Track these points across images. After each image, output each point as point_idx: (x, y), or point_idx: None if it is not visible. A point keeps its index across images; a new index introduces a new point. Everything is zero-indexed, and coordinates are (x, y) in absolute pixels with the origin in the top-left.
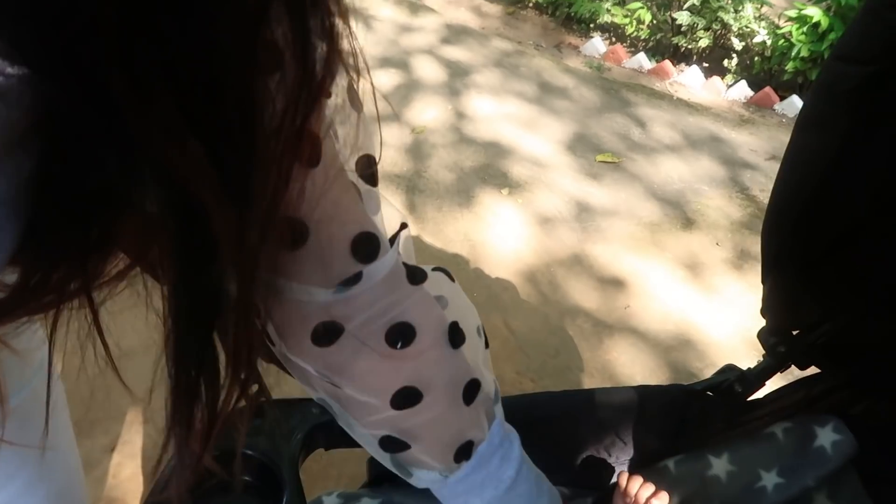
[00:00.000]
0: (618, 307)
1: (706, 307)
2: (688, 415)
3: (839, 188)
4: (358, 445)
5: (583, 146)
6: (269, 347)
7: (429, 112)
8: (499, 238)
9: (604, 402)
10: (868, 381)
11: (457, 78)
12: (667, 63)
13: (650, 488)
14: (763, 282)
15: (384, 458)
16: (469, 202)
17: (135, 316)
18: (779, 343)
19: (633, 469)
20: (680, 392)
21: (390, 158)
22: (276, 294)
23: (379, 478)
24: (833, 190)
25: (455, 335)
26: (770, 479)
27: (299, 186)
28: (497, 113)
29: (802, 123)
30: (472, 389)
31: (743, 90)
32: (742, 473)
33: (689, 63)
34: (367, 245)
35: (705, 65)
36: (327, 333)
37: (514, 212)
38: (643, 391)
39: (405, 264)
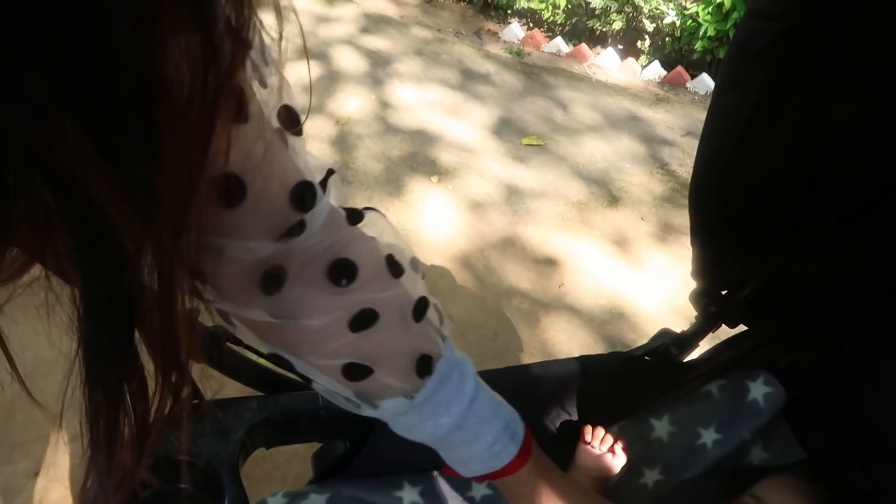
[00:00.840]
0: (552, 286)
1: (636, 280)
2: (628, 381)
3: (757, 145)
4: (300, 441)
5: (508, 130)
6: (202, 344)
7: (352, 103)
8: (431, 225)
9: (546, 375)
10: (792, 333)
11: (378, 67)
12: (584, 46)
13: (611, 439)
14: (692, 244)
15: (349, 395)
16: (399, 191)
17: (52, 323)
18: (709, 304)
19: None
20: (619, 359)
21: (316, 150)
22: (216, 255)
23: (325, 473)
24: (751, 147)
25: (394, 267)
26: (709, 436)
27: (231, 144)
28: (421, 101)
29: (721, 84)
30: (420, 307)
31: (657, 70)
32: (683, 433)
33: (604, 46)
34: (305, 194)
35: (620, 47)
36: (275, 280)
37: (444, 198)
38: (584, 361)
39: (343, 207)
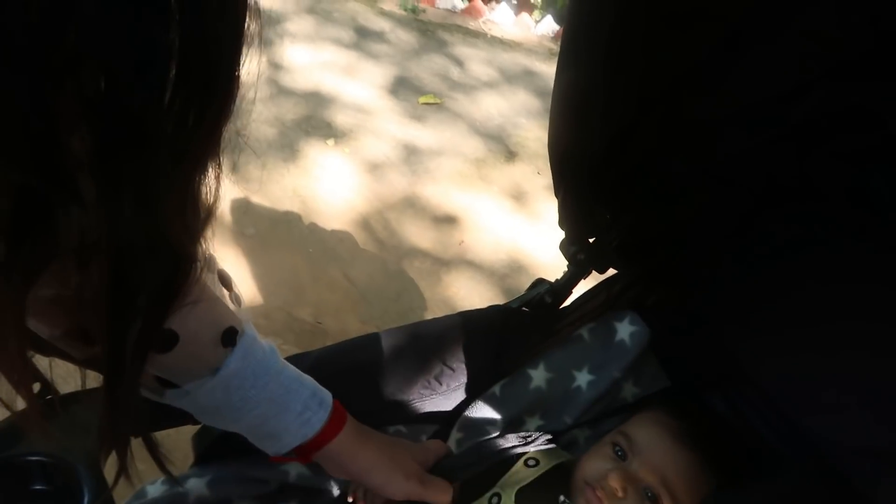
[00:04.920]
0: (452, 244)
1: (533, 233)
2: (507, 332)
3: (609, 92)
4: (172, 425)
5: (405, 89)
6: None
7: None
8: (329, 190)
9: (426, 332)
10: (656, 274)
11: (268, 28)
12: (478, 2)
13: None
14: (556, 194)
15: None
16: (294, 156)
17: None
18: (578, 251)
19: (468, 396)
20: (497, 312)
21: None
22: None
23: (205, 454)
24: (604, 90)
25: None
26: (583, 378)
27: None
28: (314, 61)
29: (570, 17)
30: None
31: (550, 25)
32: (559, 378)
33: (498, 1)
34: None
35: (514, 2)
36: None
37: (341, 162)
38: (463, 316)
39: None
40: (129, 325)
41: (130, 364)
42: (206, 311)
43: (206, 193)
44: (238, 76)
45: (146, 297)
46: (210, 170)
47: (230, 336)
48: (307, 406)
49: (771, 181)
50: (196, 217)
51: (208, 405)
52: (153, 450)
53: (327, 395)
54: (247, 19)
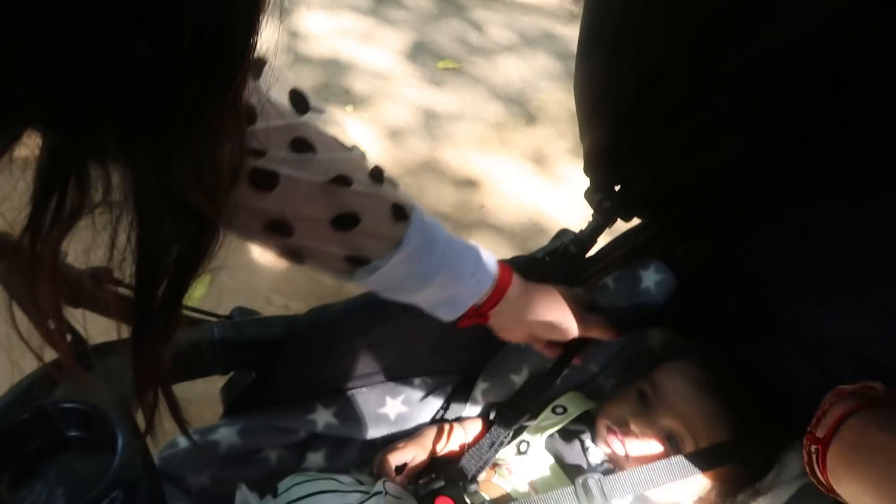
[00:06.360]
0: (474, 208)
1: (555, 196)
2: (532, 281)
3: (635, 37)
4: (203, 375)
5: (423, 55)
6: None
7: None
8: None
9: None
10: (684, 223)
11: None
12: None
13: None
14: (581, 140)
15: (340, 255)
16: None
17: None
18: (604, 199)
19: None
20: (522, 261)
21: None
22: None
23: (235, 405)
24: (631, 35)
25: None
26: None
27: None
28: (332, 28)
29: None
30: (376, 173)
31: None
32: None
33: None
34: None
35: None
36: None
37: (361, 128)
38: None
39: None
40: (156, 284)
41: (157, 321)
42: (371, 195)
43: (228, 161)
44: (255, 42)
45: (172, 259)
46: (230, 138)
47: (401, 211)
48: (478, 265)
49: (805, 125)
50: (217, 183)
51: (394, 280)
52: (175, 409)
53: (490, 253)
54: None
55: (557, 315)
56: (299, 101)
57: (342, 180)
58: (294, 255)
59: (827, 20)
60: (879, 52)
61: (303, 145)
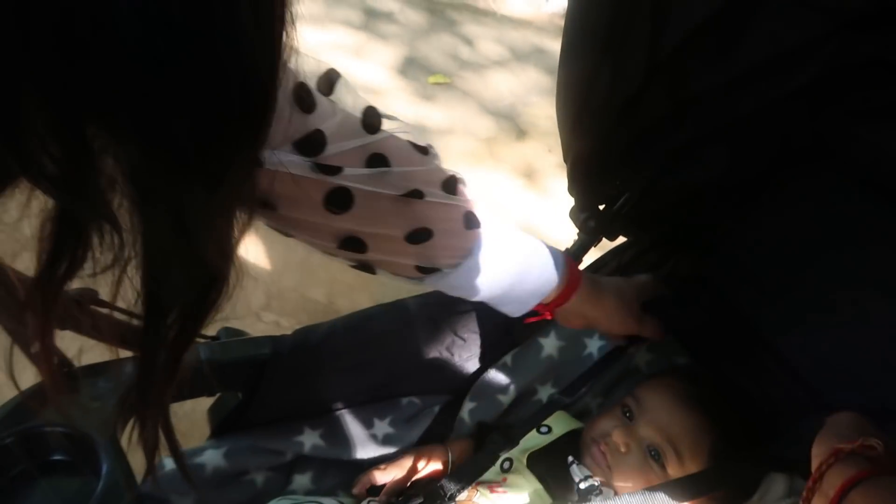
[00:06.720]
0: None
1: (545, 210)
2: None
3: (614, 61)
4: (189, 397)
5: (414, 69)
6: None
7: None
8: None
9: (436, 302)
10: (669, 241)
11: None
12: None
13: None
14: (565, 160)
15: (412, 265)
16: None
17: None
18: (588, 218)
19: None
20: None
21: None
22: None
23: (221, 426)
24: (612, 57)
25: (418, 147)
26: (593, 345)
27: None
28: (323, 43)
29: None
30: (450, 183)
31: (561, 2)
32: (570, 346)
33: None
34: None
35: None
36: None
37: None
38: None
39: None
40: (162, 338)
41: (162, 367)
42: (443, 206)
43: (240, 216)
44: (274, 101)
45: (179, 313)
46: (245, 198)
47: (472, 219)
48: (546, 265)
49: (784, 142)
50: (229, 239)
51: (463, 283)
52: (175, 450)
53: (558, 250)
54: (283, 39)
55: (619, 316)
56: (372, 119)
57: (416, 194)
58: (366, 267)
59: (805, 40)
60: (860, 71)
61: (378, 160)
